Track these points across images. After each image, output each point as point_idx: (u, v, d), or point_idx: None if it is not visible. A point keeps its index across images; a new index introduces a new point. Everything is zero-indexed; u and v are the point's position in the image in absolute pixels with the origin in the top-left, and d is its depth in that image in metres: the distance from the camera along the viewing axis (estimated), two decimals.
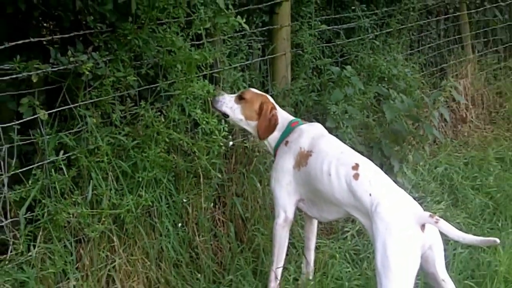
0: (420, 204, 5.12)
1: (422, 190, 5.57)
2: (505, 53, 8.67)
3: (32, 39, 3.56)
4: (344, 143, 5.09)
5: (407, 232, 3.44)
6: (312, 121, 4.41)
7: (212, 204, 4.62)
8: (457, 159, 6.37)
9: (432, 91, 6.07)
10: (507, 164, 6.33)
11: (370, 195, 3.62)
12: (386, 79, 5.98)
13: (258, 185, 4.83)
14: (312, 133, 4.07)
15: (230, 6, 4.03)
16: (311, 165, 3.94)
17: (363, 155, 5.19)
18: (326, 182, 3.83)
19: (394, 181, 5.33)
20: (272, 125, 4.15)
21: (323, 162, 3.87)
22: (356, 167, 3.77)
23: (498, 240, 3.51)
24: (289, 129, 4.12)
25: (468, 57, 7.81)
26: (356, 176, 3.73)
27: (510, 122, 7.73)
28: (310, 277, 4.22)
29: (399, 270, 3.39)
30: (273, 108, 4.19)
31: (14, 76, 3.51)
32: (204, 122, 4.17)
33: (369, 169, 3.81)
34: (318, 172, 3.87)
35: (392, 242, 3.42)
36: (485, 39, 8.51)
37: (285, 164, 4.05)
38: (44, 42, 3.98)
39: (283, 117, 4.20)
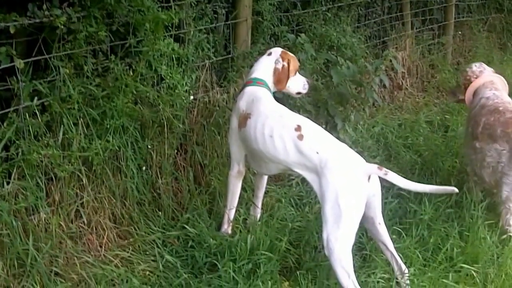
0: None
1: (361, 146, 5.46)
2: (439, 30, 8.53)
3: None
4: (295, 102, 5.00)
5: (357, 183, 3.31)
6: None
7: (175, 151, 4.43)
8: (392, 121, 6.27)
9: (374, 60, 5.90)
10: (435, 126, 6.24)
11: (317, 152, 3.42)
12: (335, 47, 5.80)
13: (217, 136, 4.64)
14: (251, 95, 3.79)
15: None
16: (250, 127, 3.69)
17: (311, 113, 5.14)
18: (268, 144, 3.59)
19: (336, 137, 5.34)
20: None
21: (264, 125, 3.62)
22: (298, 128, 3.53)
23: (456, 189, 3.50)
24: (242, 87, 3.89)
25: (407, 32, 7.65)
26: (300, 137, 3.50)
27: (439, 91, 7.63)
28: (257, 219, 4.08)
29: (349, 216, 3.26)
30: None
31: None
32: (169, 77, 3.97)
33: (310, 128, 3.58)
34: (259, 134, 3.62)
35: (344, 192, 3.27)
36: (423, 18, 8.36)
37: (233, 123, 3.85)
38: None
39: (248, 74, 3.95)
